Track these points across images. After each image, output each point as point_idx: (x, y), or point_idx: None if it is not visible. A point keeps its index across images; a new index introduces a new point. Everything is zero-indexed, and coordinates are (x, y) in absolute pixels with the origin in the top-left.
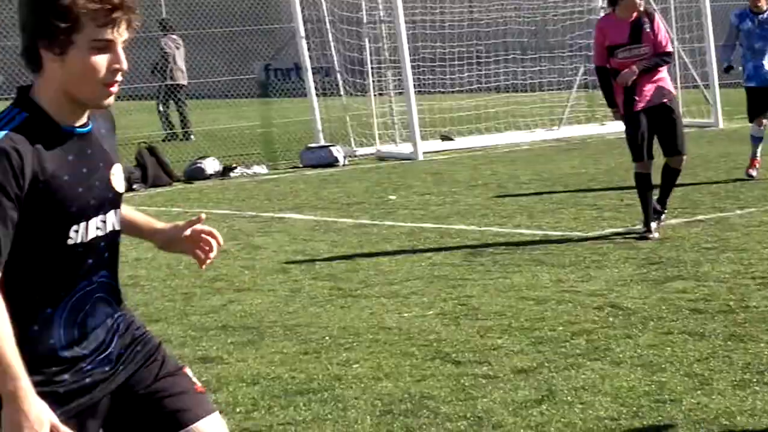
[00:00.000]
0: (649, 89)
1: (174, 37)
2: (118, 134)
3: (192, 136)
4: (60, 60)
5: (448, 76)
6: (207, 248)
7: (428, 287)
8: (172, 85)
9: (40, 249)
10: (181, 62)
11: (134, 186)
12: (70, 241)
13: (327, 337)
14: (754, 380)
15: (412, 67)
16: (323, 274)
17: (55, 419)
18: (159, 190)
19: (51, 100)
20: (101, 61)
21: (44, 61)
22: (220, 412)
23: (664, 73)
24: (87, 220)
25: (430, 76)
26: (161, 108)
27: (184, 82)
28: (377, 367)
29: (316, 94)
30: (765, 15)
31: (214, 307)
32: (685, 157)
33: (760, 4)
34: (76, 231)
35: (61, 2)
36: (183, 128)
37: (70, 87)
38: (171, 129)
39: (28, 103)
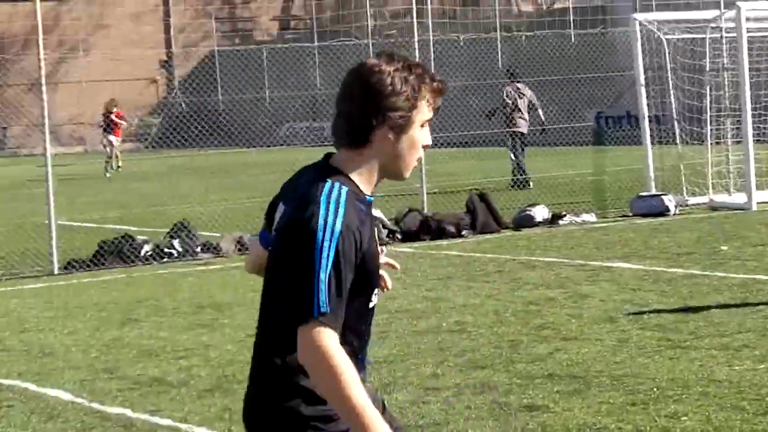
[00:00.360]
0: None
1: (518, 86)
2: (449, 180)
3: (531, 183)
4: (396, 138)
5: None
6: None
7: (761, 340)
8: (513, 132)
9: (352, 314)
10: (524, 110)
11: (463, 232)
12: (371, 304)
13: (655, 389)
14: None
15: (753, 115)
16: (651, 324)
17: None
18: (487, 236)
19: (365, 173)
20: (421, 138)
21: (374, 138)
22: None
23: None
24: (377, 283)
25: None
26: (512, 156)
27: (524, 130)
28: (706, 420)
29: (651, 142)
30: None
31: (540, 355)
32: None
33: None
34: (375, 294)
35: (415, 88)
36: (520, 176)
37: (395, 162)
38: (521, 175)
39: (341, 176)
